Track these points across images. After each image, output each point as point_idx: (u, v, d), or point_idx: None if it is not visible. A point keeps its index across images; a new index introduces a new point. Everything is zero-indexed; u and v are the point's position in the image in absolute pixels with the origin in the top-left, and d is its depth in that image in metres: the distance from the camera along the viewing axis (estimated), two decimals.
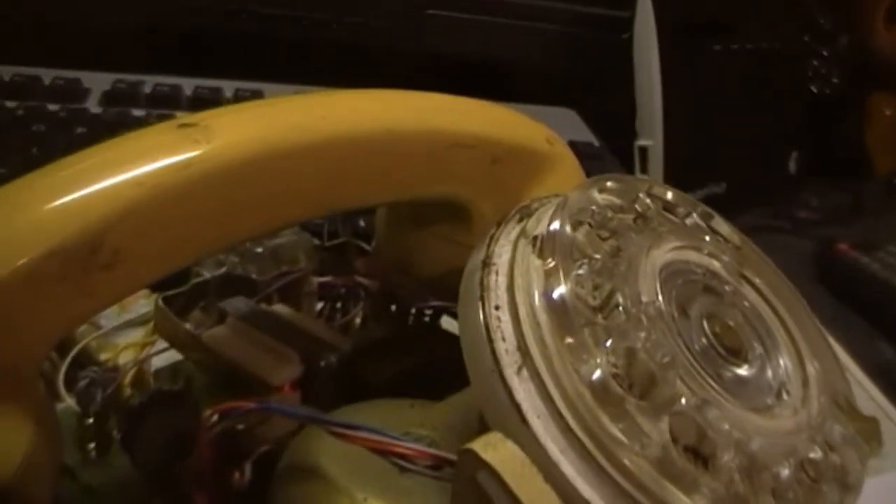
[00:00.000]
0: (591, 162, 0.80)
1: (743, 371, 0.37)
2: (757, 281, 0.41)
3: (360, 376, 0.48)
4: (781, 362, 0.39)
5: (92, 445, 0.47)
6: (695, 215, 0.41)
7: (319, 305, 0.56)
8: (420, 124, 0.45)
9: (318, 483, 0.39)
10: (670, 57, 0.85)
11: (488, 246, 0.37)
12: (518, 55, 0.96)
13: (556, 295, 0.34)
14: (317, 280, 0.55)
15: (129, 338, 0.55)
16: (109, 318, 0.57)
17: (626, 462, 0.32)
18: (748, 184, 0.96)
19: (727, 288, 0.39)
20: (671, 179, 0.84)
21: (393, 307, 0.53)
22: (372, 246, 0.56)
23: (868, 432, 0.39)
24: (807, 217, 0.97)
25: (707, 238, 0.41)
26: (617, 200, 0.39)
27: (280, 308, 0.52)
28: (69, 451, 0.46)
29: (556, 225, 0.36)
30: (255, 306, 0.50)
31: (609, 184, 0.39)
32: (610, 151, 0.85)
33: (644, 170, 0.85)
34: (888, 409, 0.63)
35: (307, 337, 0.48)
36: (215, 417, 0.40)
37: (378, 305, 0.54)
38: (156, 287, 0.51)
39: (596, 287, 0.36)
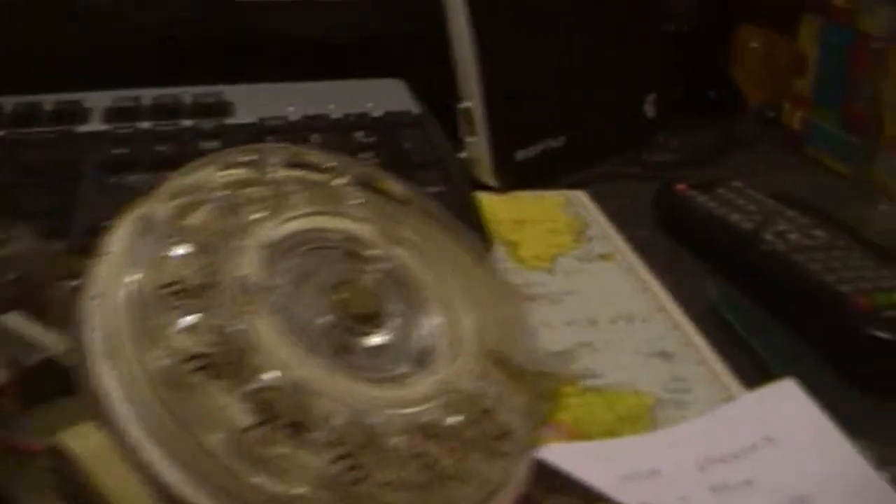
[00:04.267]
0: (408, 130, 0.80)
1: (376, 339, 0.37)
2: (414, 240, 0.39)
3: None
4: (431, 323, 0.37)
5: None
6: (345, 178, 0.40)
7: None
8: None
9: None
10: (496, 9, 0.84)
11: (108, 234, 0.36)
12: (347, 30, 0.95)
13: (135, 280, 0.33)
14: (70, 284, 0.54)
15: None
16: None
17: (204, 445, 0.31)
18: (605, 132, 0.95)
19: (372, 252, 0.38)
20: (500, 138, 0.83)
21: None
22: None
23: (541, 391, 0.38)
24: (663, 160, 0.96)
25: (355, 201, 0.39)
26: (247, 174, 0.38)
27: (9, 317, 0.51)
28: None
29: (150, 207, 0.35)
30: None
31: (239, 157, 0.38)
32: (434, 117, 0.84)
33: (471, 132, 0.84)
34: (706, 354, 0.62)
35: (21, 341, 0.48)
36: None
37: None
38: None
39: (205, 265, 0.34)
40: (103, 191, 0.69)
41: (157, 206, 0.35)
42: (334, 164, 0.41)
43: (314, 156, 0.41)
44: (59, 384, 0.45)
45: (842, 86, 0.96)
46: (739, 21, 1.15)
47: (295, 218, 0.38)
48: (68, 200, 0.67)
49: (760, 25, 1.14)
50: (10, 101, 0.81)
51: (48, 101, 0.82)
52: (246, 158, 0.39)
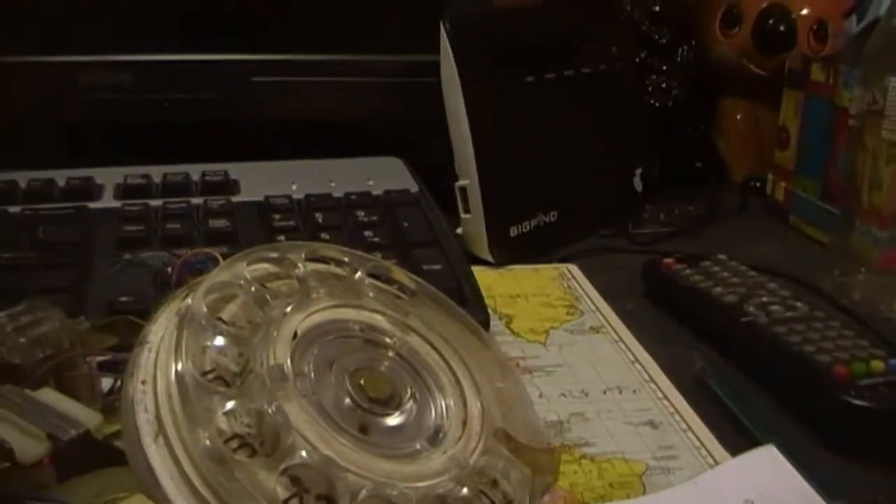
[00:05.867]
0: (406, 209, 0.84)
1: (393, 420, 0.42)
2: (423, 328, 0.44)
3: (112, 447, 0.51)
4: (442, 404, 0.43)
5: None
6: (360, 272, 0.45)
7: (111, 382, 0.59)
8: None
9: None
10: (491, 92, 0.89)
11: (147, 324, 0.41)
12: (346, 111, 1.00)
13: (178, 368, 0.38)
14: (94, 360, 0.59)
15: None
16: None
17: None
18: (596, 206, 1.00)
19: (389, 340, 0.44)
20: (495, 215, 0.88)
21: None
22: None
23: (541, 464, 0.43)
24: (651, 232, 1.00)
25: (371, 294, 0.44)
26: (273, 269, 0.43)
27: (43, 392, 0.55)
28: None
29: (189, 300, 0.40)
30: (20, 392, 0.54)
31: (266, 254, 0.43)
32: (432, 195, 0.89)
33: (466, 209, 0.89)
34: (692, 422, 0.65)
35: (57, 416, 0.52)
36: None
37: None
38: None
39: (240, 355, 0.40)
40: (117, 267, 0.73)
41: (196, 301, 0.40)
42: (347, 258, 0.46)
43: (330, 250, 0.46)
44: (92, 457, 0.50)
45: (822, 158, 1.02)
46: (723, 94, 1.20)
47: (319, 311, 0.43)
48: (83, 277, 0.71)
49: (744, 98, 1.20)
50: (24, 177, 0.86)
51: (61, 176, 0.86)
52: (272, 255, 0.44)
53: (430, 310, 0.47)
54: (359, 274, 0.46)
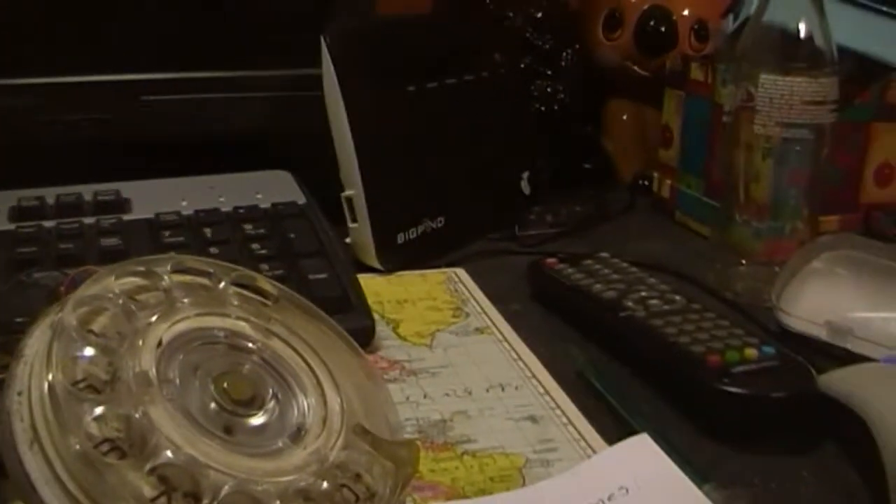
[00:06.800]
0: (293, 221, 0.88)
1: (256, 420, 0.45)
2: (286, 333, 0.48)
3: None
4: (304, 403, 0.46)
5: None
6: (224, 281, 0.49)
7: None
8: None
9: None
10: (373, 103, 0.92)
11: (23, 338, 0.45)
12: (235, 126, 1.03)
13: (50, 378, 0.41)
14: None
15: None
16: None
17: None
18: (483, 211, 1.04)
19: (252, 345, 0.47)
20: (381, 223, 0.92)
21: None
22: None
23: (401, 457, 0.47)
24: (538, 234, 1.05)
25: (235, 302, 0.48)
26: (141, 281, 0.47)
27: None
28: None
29: (61, 314, 0.43)
30: None
31: (133, 268, 0.47)
32: (322, 206, 0.92)
33: (354, 219, 0.92)
34: (572, 416, 0.69)
35: None
36: None
37: None
38: None
39: (109, 364, 0.43)
40: (11, 288, 0.75)
41: (66, 314, 0.43)
42: (212, 269, 0.50)
43: (195, 262, 0.49)
44: None
45: (704, 154, 1.07)
46: (609, 96, 1.25)
47: (183, 319, 0.47)
48: None
49: (629, 99, 1.24)
50: None
51: None
52: (139, 268, 0.48)
53: (294, 315, 0.50)
54: (223, 284, 0.49)
